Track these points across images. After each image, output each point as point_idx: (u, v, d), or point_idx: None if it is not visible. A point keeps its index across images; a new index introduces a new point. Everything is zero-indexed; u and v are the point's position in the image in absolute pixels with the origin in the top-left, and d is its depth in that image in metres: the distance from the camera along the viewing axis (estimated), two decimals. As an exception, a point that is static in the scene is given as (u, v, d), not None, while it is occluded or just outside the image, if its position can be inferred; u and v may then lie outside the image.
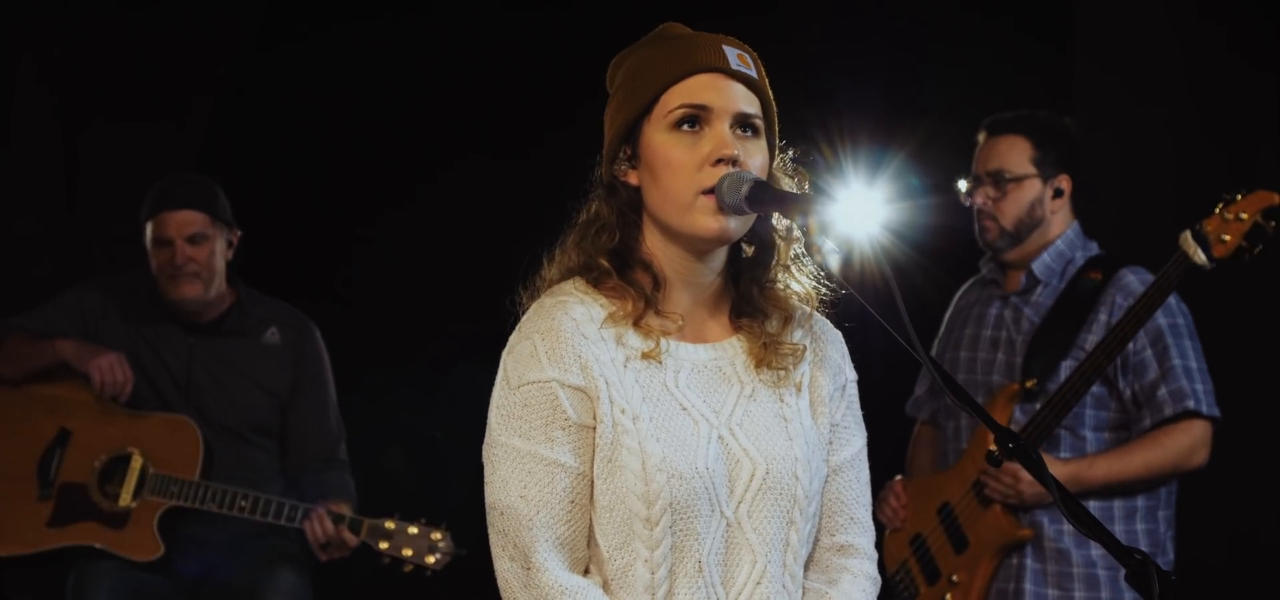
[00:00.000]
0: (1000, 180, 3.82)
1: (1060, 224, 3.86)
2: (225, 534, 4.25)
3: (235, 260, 4.37)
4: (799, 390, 2.27)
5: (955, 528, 3.82)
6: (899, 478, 4.03)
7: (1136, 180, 4.61)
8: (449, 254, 5.18)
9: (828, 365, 2.31)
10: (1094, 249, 3.87)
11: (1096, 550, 3.69)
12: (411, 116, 5.35)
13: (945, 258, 4.25)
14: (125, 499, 4.14)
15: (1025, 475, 3.65)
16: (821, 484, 2.28)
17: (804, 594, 2.27)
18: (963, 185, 3.91)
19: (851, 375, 2.35)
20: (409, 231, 5.32)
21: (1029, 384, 3.74)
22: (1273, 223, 3.54)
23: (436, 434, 4.76)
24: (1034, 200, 3.82)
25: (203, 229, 4.24)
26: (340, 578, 4.92)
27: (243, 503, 4.10)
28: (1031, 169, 3.82)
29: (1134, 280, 3.72)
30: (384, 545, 4.08)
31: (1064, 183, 3.84)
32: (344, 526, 4.09)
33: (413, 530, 4.08)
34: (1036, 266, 3.84)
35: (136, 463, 4.15)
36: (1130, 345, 3.66)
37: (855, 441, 2.33)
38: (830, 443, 2.30)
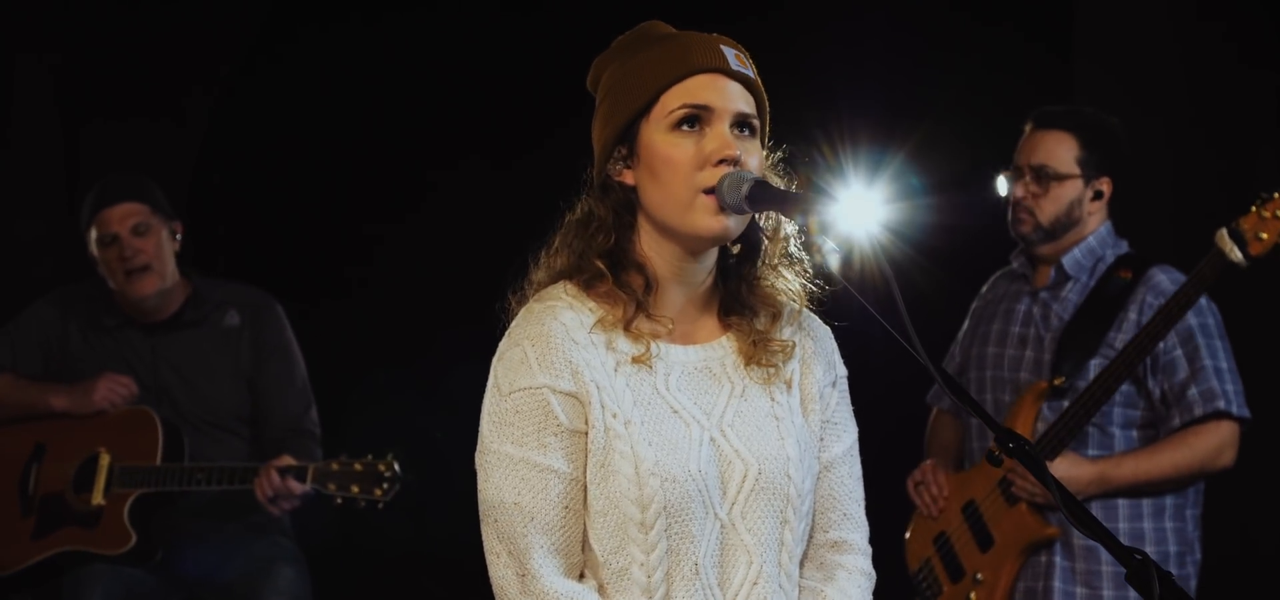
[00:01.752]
0: (1043, 176, 3.79)
1: (1094, 224, 3.83)
2: (223, 534, 4.25)
3: (185, 253, 4.34)
4: (789, 386, 2.27)
5: (980, 526, 3.81)
6: (931, 462, 3.99)
7: (1136, 180, 4.60)
8: (450, 254, 5.18)
9: (818, 362, 2.31)
10: (1124, 247, 3.84)
11: (1127, 548, 3.67)
12: (412, 117, 5.35)
13: (945, 258, 4.25)
14: (97, 498, 4.16)
15: (1051, 472, 3.63)
16: (814, 481, 2.28)
17: (799, 592, 2.28)
18: (1002, 178, 3.87)
19: (842, 371, 2.35)
20: (409, 231, 5.32)
21: (1058, 382, 3.72)
22: None
23: (437, 434, 4.75)
24: (1074, 200, 3.79)
25: (145, 219, 4.23)
26: (340, 577, 4.92)
27: (199, 476, 4.11)
28: (1075, 169, 3.78)
29: (1164, 279, 3.70)
30: (332, 487, 4.07)
31: (1105, 185, 3.81)
32: (290, 477, 4.07)
33: (358, 467, 4.06)
34: (1066, 261, 3.82)
35: (104, 461, 4.17)
36: (1160, 345, 3.65)
37: (846, 437, 2.33)
38: (822, 439, 2.30)
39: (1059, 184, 3.78)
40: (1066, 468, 3.62)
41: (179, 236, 4.32)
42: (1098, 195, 3.81)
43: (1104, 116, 3.86)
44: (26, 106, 5.31)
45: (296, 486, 4.07)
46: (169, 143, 5.39)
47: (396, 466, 4.05)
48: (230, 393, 4.30)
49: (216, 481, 4.11)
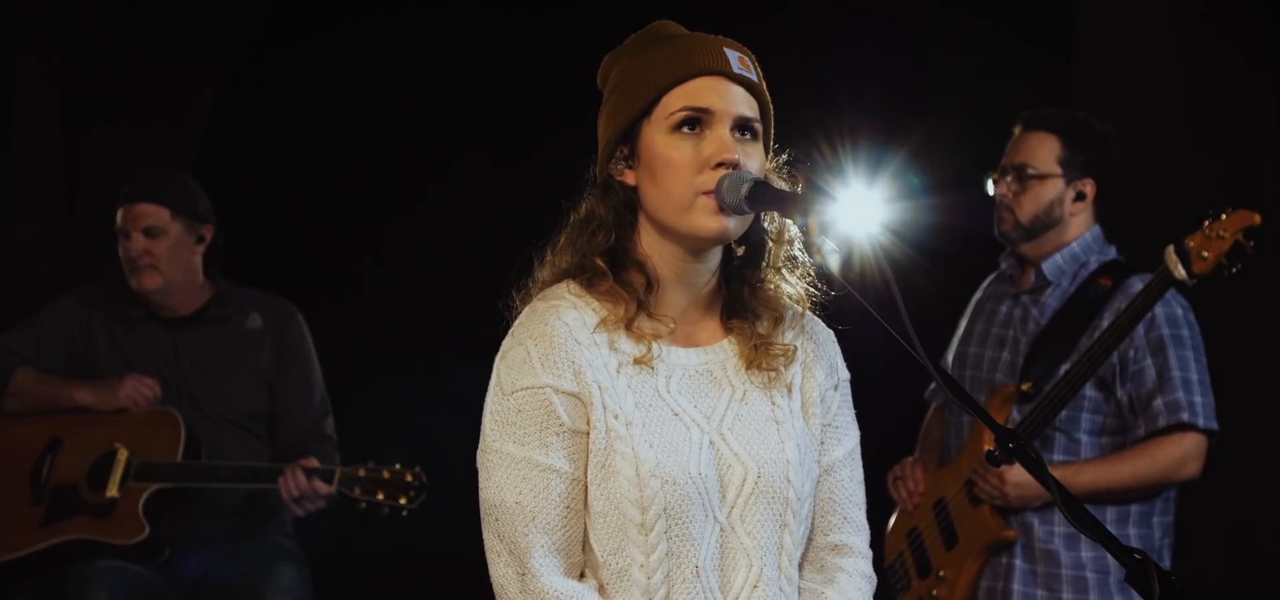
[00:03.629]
0: (1023, 174, 3.80)
1: (1079, 227, 3.83)
2: (225, 533, 4.25)
3: (214, 255, 4.36)
4: (790, 391, 2.27)
5: (948, 524, 3.84)
6: (912, 458, 4.01)
7: (1135, 183, 4.61)
8: (450, 254, 5.19)
9: (820, 365, 2.31)
10: (1111, 253, 3.84)
11: (1086, 553, 3.69)
12: (412, 117, 5.35)
13: (945, 258, 4.25)
14: (112, 490, 4.15)
15: (1010, 477, 3.66)
16: (814, 485, 2.28)
17: (800, 594, 2.28)
18: (990, 180, 3.89)
19: (844, 374, 2.35)
20: (409, 231, 5.32)
21: (1025, 386, 3.73)
22: (1252, 242, 3.53)
23: (437, 434, 4.76)
24: (1053, 200, 3.80)
25: (159, 223, 4.24)
26: (340, 577, 4.92)
27: (221, 473, 4.12)
28: (1056, 168, 3.79)
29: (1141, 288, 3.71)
30: (357, 491, 4.08)
31: (1088, 187, 3.81)
32: (317, 479, 4.08)
33: (385, 474, 4.07)
34: (1046, 266, 3.82)
35: (122, 456, 4.17)
36: (1130, 353, 3.65)
37: (847, 440, 2.33)
38: (822, 442, 2.30)
39: (1039, 183, 3.79)
40: (1027, 473, 3.61)
41: (206, 239, 4.33)
42: (1080, 196, 3.81)
43: (1093, 120, 3.87)
44: (26, 107, 5.31)
45: (323, 488, 4.08)
46: (168, 144, 5.39)
47: (424, 478, 4.07)
48: (249, 391, 4.31)
49: (239, 479, 4.12)
